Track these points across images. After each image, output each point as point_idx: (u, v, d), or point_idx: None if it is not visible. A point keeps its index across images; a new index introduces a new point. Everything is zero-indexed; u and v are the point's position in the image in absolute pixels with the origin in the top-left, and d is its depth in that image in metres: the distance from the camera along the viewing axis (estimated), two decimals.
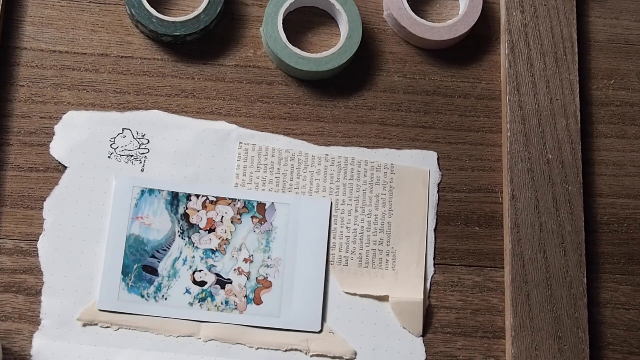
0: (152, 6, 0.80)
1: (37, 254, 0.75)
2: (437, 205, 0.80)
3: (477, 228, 0.80)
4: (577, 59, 0.82)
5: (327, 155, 0.80)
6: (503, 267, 0.79)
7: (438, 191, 0.80)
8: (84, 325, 0.74)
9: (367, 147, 0.81)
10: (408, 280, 0.77)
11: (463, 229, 0.80)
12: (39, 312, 0.74)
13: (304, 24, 0.84)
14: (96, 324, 0.74)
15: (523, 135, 0.80)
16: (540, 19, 0.83)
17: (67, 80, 0.80)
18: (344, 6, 0.82)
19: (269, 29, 0.81)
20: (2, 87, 0.79)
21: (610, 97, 0.84)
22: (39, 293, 0.74)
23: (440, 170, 0.81)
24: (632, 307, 0.79)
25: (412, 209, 0.79)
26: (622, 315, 0.78)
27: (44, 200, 0.76)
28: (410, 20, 0.83)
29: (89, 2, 0.82)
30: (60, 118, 0.78)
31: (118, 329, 0.74)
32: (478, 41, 0.85)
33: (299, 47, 0.82)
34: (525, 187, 0.79)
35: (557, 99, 0.81)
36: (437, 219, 0.80)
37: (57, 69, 0.80)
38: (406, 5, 0.83)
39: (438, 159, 0.81)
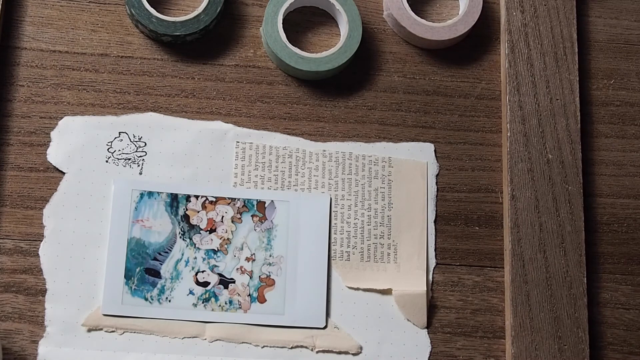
0: (152, 6, 0.80)
1: (37, 254, 0.75)
2: (436, 197, 0.80)
3: (477, 228, 0.80)
4: (577, 59, 0.83)
5: (324, 151, 0.80)
6: (503, 267, 0.79)
7: (436, 183, 0.81)
8: (89, 330, 0.74)
9: (365, 141, 0.81)
10: (410, 272, 0.78)
11: (463, 229, 0.80)
12: (39, 312, 0.74)
13: (304, 24, 0.84)
14: (101, 329, 0.74)
15: (523, 135, 0.80)
16: (540, 19, 0.83)
17: (67, 80, 0.79)
18: (344, 6, 0.82)
19: (269, 29, 0.81)
20: (2, 87, 0.79)
21: (610, 97, 0.85)
22: (39, 293, 0.74)
23: (437, 162, 0.81)
24: (632, 307, 0.79)
25: (412, 202, 0.80)
26: (622, 315, 0.79)
27: (44, 200, 0.76)
28: (410, 20, 0.83)
29: (89, 2, 0.82)
30: (60, 118, 0.78)
31: (123, 333, 0.74)
32: (478, 41, 0.85)
33: (299, 47, 0.82)
34: (525, 187, 0.79)
35: (557, 99, 0.81)
36: (436, 216, 0.80)
37: (57, 69, 0.80)
38: (406, 5, 0.83)
39: (435, 150, 0.81)
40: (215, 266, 0.76)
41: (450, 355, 0.77)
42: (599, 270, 0.80)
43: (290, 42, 0.81)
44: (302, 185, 0.79)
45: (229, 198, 0.78)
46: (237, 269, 0.76)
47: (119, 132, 0.79)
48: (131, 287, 0.75)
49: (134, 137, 0.79)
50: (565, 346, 0.76)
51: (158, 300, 0.75)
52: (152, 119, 0.79)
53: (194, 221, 0.77)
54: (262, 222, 0.77)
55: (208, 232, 0.77)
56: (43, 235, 0.75)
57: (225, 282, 0.76)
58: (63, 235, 0.76)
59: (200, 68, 0.81)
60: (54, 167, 0.77)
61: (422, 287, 0.77)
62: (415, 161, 0.81)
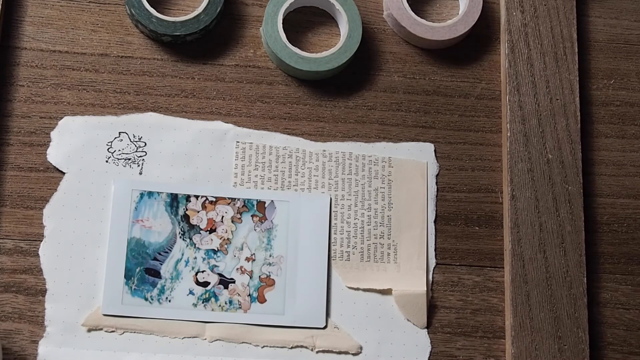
0: (152, 6, 0.80)
1: (37, 254, 0.75)
2: (436, 197, 0.80)
3: (477, 228, 0.80)
4: (577, 59, 0.83)
5: (324, 151, 0.80)
6: (503, 267, 0.79)
7: (436, 183, 0.81)
8: (89, 330, 0.74)
9: (365, 141, 0.81)
10: (410, 272, 0.78)
11: (463, 229, 0.80)
12: (39, 312, 0.74)
13: (304, 24, 0.84)
14: (101, 329, 0.74)
15: (523, 135, 0.80)
16: (540, 19, 0.83)
17: (67, 80, 0.79)
18: (344, 6, 0.82)
19: (269, 29, 0.81)
20: (2, 87, 0.79)
21: (610, 97, 0.85)
22: (39, 293, 0.74)
23: (437, 162, 0.81)
24: (632, 307, 0.79)
25: (412, 202, 0.80)
26: (622, 315, 0.79)
27: (44, 200, 0.76)
28: (410, 20, 0.83)
29: (89, 2, 0.82)
30: (60, 118, 0.78)
31: (123, 333, 0.74)
32: (478, 41, 0.85)
33: (299, 47, 0.82)
34: (525, 187, 0.79)
35: (557, 99, 0.81)
36: (436, 216, 0.80)
37: (57, 69, 0.80)
38: (406, 5, 0.83)
39: (435, 150, 0.81)
40: (215, 266, 0.76)
41: (450, 355, 0.77)
42: (599, 270, 0.80)
43: (290, 42, 0.81)
44: (302, 185, 0.79)
45: (229, 198, 0.78)
46: (237, 269, 0.76)
47: (119, 132, 0.79)
48: (131, 287, 0.75)
49: (134, 137, 0.79)
50: (565, 346, 0.76)
51: (158, 300, 0.75)
52: (152, 119, 0.79)
53: (194, 221, 0.77)
54: (262, 222, 0.77)
55: (208, 232, 0.77)
56: (43, 235, 0.75)
57: (225, 282, 0.76)
58: (63, 235, 0.76)
59: (200, 68, 0.81)
60: (54, 167, 0.77)
61: (422, 287, 0.77)
62: (415, 161, 0.81)
